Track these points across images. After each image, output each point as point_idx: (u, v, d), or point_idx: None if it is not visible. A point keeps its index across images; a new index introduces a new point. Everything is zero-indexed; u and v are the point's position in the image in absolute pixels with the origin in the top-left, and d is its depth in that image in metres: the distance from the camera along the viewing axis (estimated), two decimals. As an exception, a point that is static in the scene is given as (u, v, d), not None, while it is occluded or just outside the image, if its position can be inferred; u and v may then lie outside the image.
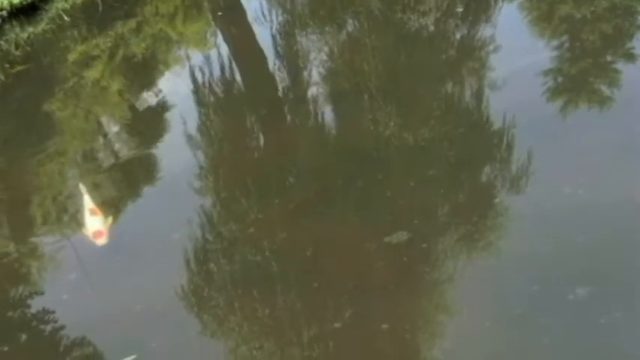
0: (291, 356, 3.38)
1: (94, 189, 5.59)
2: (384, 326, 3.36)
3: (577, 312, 3.16)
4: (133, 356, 3.59)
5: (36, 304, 4.31)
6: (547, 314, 3.19)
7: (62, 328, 4.01)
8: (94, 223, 4.64)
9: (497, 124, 4.93)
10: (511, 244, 3.70)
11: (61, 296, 4.24)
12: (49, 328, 4.07)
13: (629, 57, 5.50)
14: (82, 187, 5.24)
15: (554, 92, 5.22)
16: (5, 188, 5.86)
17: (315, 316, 3.58)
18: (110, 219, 4.69)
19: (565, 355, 2.99)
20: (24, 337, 4.05)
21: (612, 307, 3.15)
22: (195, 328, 3.78)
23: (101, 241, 4.46)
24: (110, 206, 4.87)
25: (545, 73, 5.41)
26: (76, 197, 5.30)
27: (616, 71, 5.36)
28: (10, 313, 4.30)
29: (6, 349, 3.89)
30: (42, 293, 4.44)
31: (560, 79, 5.42)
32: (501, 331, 3.16)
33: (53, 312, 4.16)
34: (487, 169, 4.55)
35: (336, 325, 3.45)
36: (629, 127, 4.50)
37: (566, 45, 5.93)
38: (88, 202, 4.94)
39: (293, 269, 4.00)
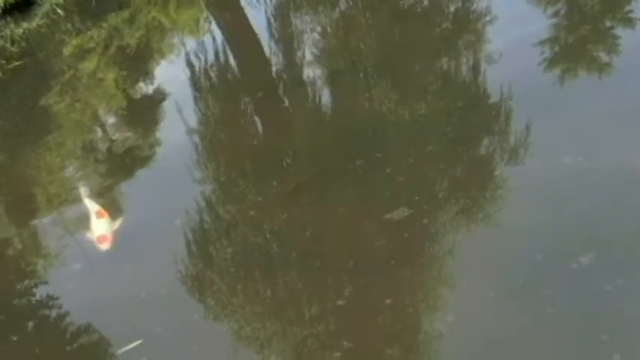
0: (295, 335, 3.37)
1: (95, 179, 5.61)
2: (388, 301, 3.36)
3: (581, 280, 3.14)
4: (138, 341, 3.61)
5: (42, 294, 4.33)
6: (551, 284, 3.17)
7: (68, 316, 4.04)
8: (100, 227, 4.49)
9: (494, 97, 4.89)
10: (512, 215, 3.68)
11: (66, 286, 4.25)
12: (55, 317, 4.09)
13: (628, 22, 5.42)
14: (85, 190, 5.18)
15: (552, 61, 5.17)
16: (7, 182, 5.86)
17: (318, 295, 3.58)
18: (117, 222, 4.53)
19: (570, 324, 2.97)
20: (31, 326, 4.06)
21: (616, 273, 3.12)
22: (200, 312, 3.79)
23: (105, 245, 4.34)
24: (116, 208, 4.74)
25: (543, 42, 5.36)
26: (78, 189, 5.28)
27: (615, 37, 5.29)
28: (16, 304, 4.32)
29: (15, 338, 3.92)
30: (47, 283, 4.46)
31: (557, 48, 5.36)
32: (505, 302, 3.14)
33: (59, 301, 4.18)
34: (486, 142, 4.51)
35: (340, 302, 3.45)
36: (628, 93, 4.45)
37: (563, 12, 5.86)
38: (92, 203, 4.84)
39: (294, 250, 4.00)
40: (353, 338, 3.21)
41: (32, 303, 4.28)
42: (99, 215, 4.61)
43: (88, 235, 4.49)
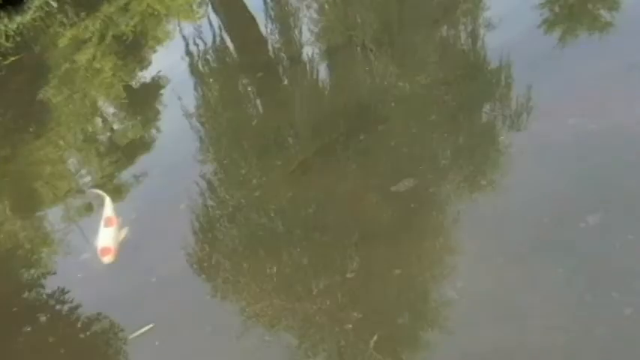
0: (306, 310, 3.37)
1: (98, 170, 5.60)
2: (397, 272, 3.35)
3: (590, 239, 3.13)
4: (150, 325, 3.62)
5: (52, 285, 4.34)
6: (560, 245, 3.16)
7: (80, 305, 4.05)
8: (105, 238, 4.26)
9: (495, 63, 4.83)
10: (518, 179, 3.65)
11: (75, 275, 4.26)
12: (66, 306, 4.10)
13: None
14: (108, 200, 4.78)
15: (552, 23, 5.09)
16: (11, 177, 5.86)
17: (328, 269, 3.57)
18: (124, 232, 4.29)
19: (581, 282, 2.96)
20: (43, 316, 4.09)
21: (625, 230, 3.11)
22: (210, 293, 3.80)
23: (107, 259, 4.11)
24: (126, 216, 4.43)
25: (542, 4, 5.28)
26: (79, 176, 5.22)
27: (616, -6, 5.21)
28: (27, 295, 4.34)
29: (28, 329, 3.94)
30: (56, 274, 4.47)
31: (557, 9, 5.29)
32: (514, 265, 3.13)
33: (69, 291, 4.19)
34: (488, 109, 4.47)
35: (349, 275, 3.45)
36: (631, 51, 4.38)
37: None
38: (107, 208, 4.59)
39: (302, 227, 3.99)
40: (364, 309, 3.21)
41: (43, 294, 4.30)
42: (107, 223, 4.40)
43: (93, 243, 4.29)
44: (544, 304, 2.91)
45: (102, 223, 4.40)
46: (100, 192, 4.89)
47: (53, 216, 5.15)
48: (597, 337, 2.72)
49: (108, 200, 4.68)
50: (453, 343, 2.90)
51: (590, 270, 2.98)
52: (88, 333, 3.80)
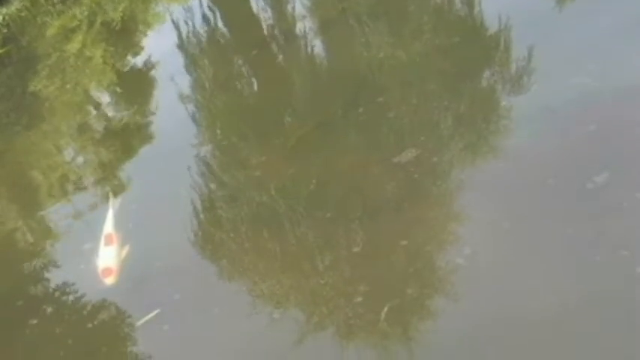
0: (314, 286, 3.34)
1: (96, 159, 5.54)
2: (403, 243, 3.31)
3: (598, 199, 3.08)
4: (156, 311, 3.59)
5: (55, 276, 4.31)
6: (567, 206, 3.11)
7: (84, 295, 4.01)
8: (106, 257, 4.01)
9: (492, 27, 4.75)
10: (522, 143, 3.59)
11: (78, 266, 4.21)
12: (71, 297, 4.07)
13: None
14: (112, 201, 4.55)
15: (549, -17, 4.99)
16: (8, 170, 5.80)
17: (333, 244, 3.53)
18: (125, 250, 4.00)
19: (591, 243, 2.92)
20: (49, 308, 4.06)
21: (633, 189, 3.07)
22: (216, 275, 3.76)
23: (110, 280, 3.86)
24: (127, 232, 4.15)
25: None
26: (77, 166, 5.12)
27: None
28: (31, 288, 4.31)
29: (35, 321, 3.91)
30: (59, 265, 4.43)
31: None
32: (521, 229, 3.10)
33: (73, 281, 4.16)
34: (488, 74, 4.41)
35: (356, 249, 3.41)
36: (629, 7, 4.30)
37: None
38: (108, 223, 4.30)
39: (305, 203, 3.94)
40: (372, 282, 3.18)
41: (47, 286, 4.27)
42: (107, 241, 4.12)
43: (94, 261, 4.03)
44: (554, 266, 2.87)
45: (102, 240, 4.14)
46: (110, 199, 4.60)
47: (52, 207, 5.11)
48: (609, 297, 2.69)
49: (110, 214, 4.39)
50: (463, 310, 2.87)
51: (599, 229, 2.94)
52: (95, 322, 3.76)
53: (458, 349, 2.72)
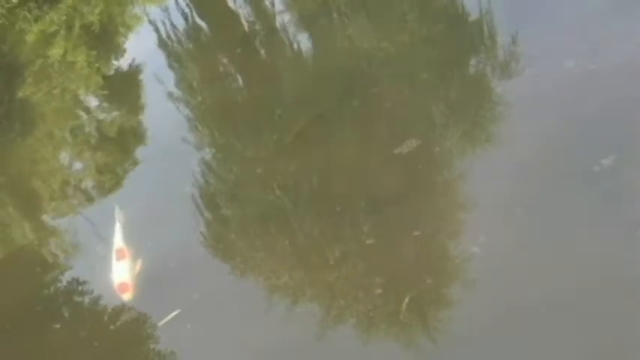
0: (331, 279, 3.41)
1: (93, 163, 5.56)
2: (416, 233, 3.39)
3: (607, 181, 3.12)
4: (176, 311, 3.67)
5: (70, 280, 4.34)
6: (577, 190, 3.16)
7: (101, 298, 4.07)
8: (120, 272, 3.99)
9: (477, 13, 4.78)
10: (525, 129, 3.64)
11: (93, 269, 4.25)
12: (90, 300, 4.13)
13: None
14: (117, 212, 4.43)
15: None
16: (6, 179, 5.76)
17: (346, 238, 3.60)
18: (139, 264, 3.98)
19: (605, 224, 2.99)
20: (69, 312, 4.10)
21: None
22: (232, 273, 3.83)
23: (127, 295, 3.86)
24: (139, 245, 4.10)
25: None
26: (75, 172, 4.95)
27: None
28: (47, 293, 4.33)
29: (57, 326, 3.96)
30: (74, 269, 4.44)
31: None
32: (534, 215, 3.15)
33: (90, 284, 4.20)
34: (480, 61, 4.48)
35: (369, 241, 3.50)
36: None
37: None
38: (117, 237, 4.23)
39: (311, 199, 4.01)
40: (389, 274, 3.26)
41: (63, 290, 4.30)
42: (119, 256, 4.09)
43: (109, 278, 4.01)
44: (570, 249, 2.95)
45: (113, 255, 4.12)
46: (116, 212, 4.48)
47: (58, 213, 5.12)
48: (627, 278, 2.74)
49: (118, 227, 4.32)
50: (483, 298, 2.94)
51: (612, 211, 2.99)
52: (118, 324, 3.81)
53: (480, 336, 2.78)
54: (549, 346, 2.69)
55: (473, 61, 4.51)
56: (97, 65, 6.92)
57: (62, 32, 7.55)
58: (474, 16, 4.85)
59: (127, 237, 4.22)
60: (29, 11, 7.95)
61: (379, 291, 3.20)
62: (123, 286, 3.92)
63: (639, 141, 3.25)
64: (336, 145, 4.35)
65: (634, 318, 2.63)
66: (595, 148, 3.27)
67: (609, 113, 3.42)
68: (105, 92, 6.57)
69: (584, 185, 3.18)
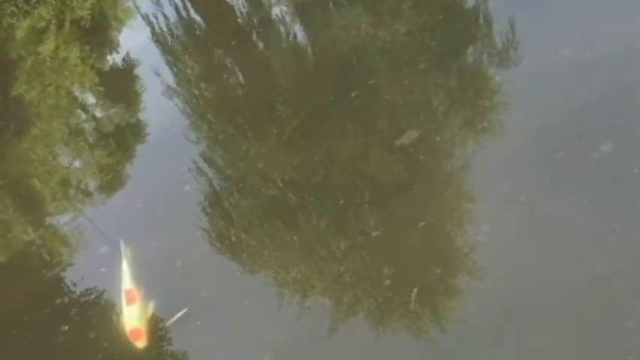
0: (339, 272, 3.45)
1: (92, 162, 5.54)
2: (421, 224, 3.43)
3: (607, 168, 3.17)
4: (184, 310, 3.68)
5: (76, 282, 4.34)
6: (578, 177, 3.20)
7: (109, 298, 4.08)
8: (132, 318, 3.71)
9: (473, 1, 4.82)
10: (523, 117, 3.68)
11: (98, 270, 4.25)
12: (97, 301, 4.14)
13: None
14: (123, 248, 4.13)
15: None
16: (5, 181, 5.73)
17: (351, 230, 3.62)
18: (151, 307, 3.73)
19: (607, 211, 3.02)
20: (77, 313, 4.11)
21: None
22: (239, 270, 3.84)
23: (141, 343, 3.61)
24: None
25: None
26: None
27: None
28: (54, 295, 4.31)
29: (66, 327, 3.97)
30: (80, 271, 4.44)
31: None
32: (538, 202, 3.19)
33: (96, 286, 4.20)
34: (477, 50, 4.49)
35: (375, 234, 3.53)
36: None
37: None
38: (126, 276, 3.93)
39: (316, 192, 4.03)
40: (397, 265, 3.29)
41: (70, 292, 4.30)
42: (129, 299, 3.79)
43: (120, 324, 3.76)
44: (575, 237, 2.99)
45: (123, 297, 3.83)
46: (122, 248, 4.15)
47: (59, 213, 5.12)
48: (632, 265, 2.78)
49: (125, 265, 3.99)
50: (490, 286, 2.98)
51: (614, 198, 3.04)
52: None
53: (489, 326, 2.81)
54: (559, 332, 2.72)
55: (470, 50, 4.53)
56: (90, 61, 6.86)
57: (52, 27, 7.47)
58: (470, 4, 4.87)
59: (135, 275, 3.93)
60: (17, 6, 7.85)
61: (387, 282, 3.24)
62: (136, 333, 3.67)
63: (636, 126, 3.29)
64: (337, 136, 4.36)
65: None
66: (594, 135, 3.30)
67: (606, 100, 3.45)
68: (101, 89, 6.52)
69: (586, 172, 3.21)
